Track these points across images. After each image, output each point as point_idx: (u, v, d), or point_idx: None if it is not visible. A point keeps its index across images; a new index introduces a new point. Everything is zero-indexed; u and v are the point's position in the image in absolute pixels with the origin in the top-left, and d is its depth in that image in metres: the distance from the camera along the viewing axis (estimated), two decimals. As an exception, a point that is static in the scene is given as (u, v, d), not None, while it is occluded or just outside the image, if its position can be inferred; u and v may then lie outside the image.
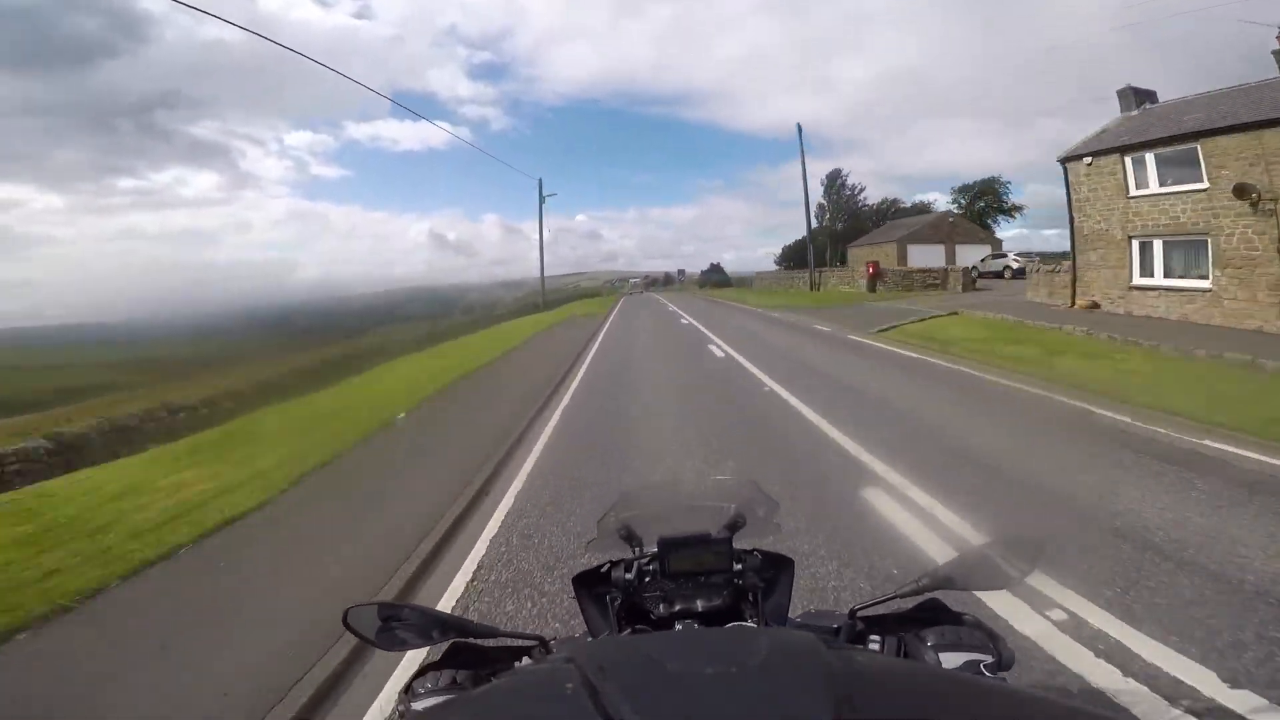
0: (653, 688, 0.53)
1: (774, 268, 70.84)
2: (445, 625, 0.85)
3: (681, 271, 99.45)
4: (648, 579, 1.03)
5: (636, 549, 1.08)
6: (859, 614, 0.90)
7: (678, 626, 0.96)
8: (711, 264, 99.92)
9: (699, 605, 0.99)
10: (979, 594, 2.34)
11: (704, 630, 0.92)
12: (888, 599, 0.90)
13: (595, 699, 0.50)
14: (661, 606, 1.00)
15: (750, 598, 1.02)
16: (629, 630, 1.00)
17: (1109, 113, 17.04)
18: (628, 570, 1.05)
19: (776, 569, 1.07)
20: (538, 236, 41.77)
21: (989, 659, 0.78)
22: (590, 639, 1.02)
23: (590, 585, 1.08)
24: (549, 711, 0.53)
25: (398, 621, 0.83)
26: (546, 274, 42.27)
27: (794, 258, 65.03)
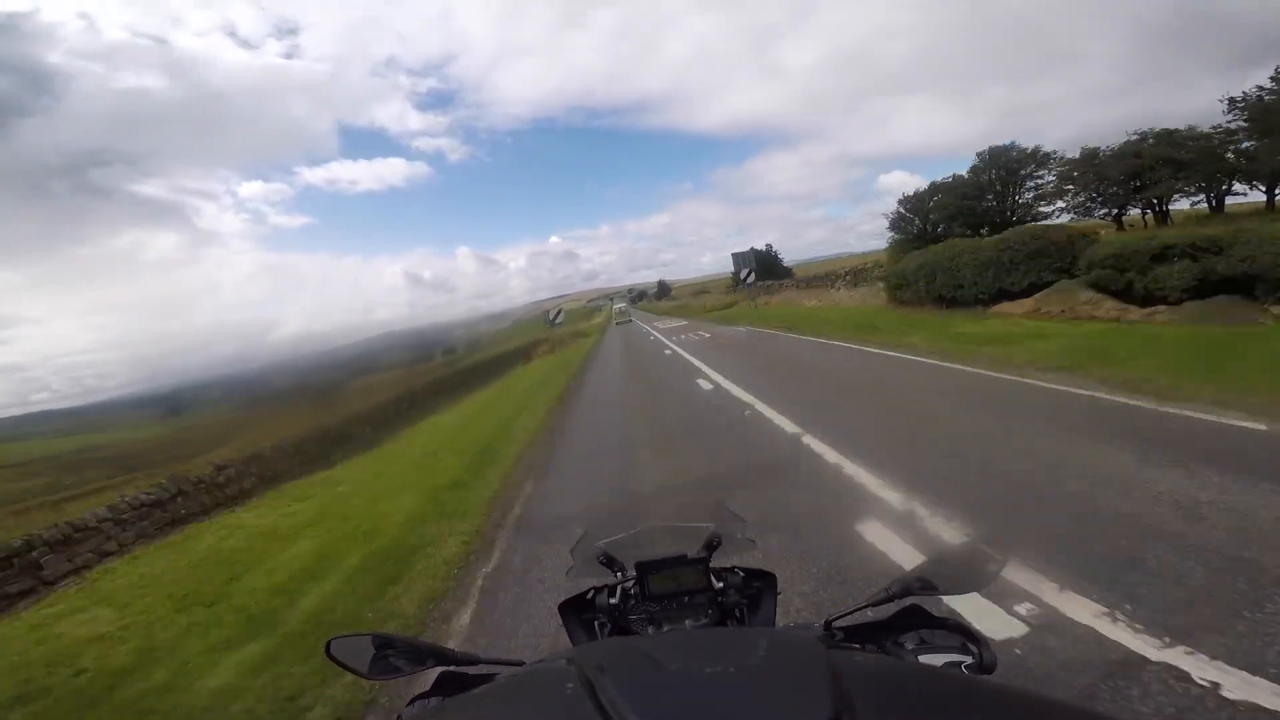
0: (653, 688, 0.52)
1: (880, 243, 34.17)
2: (427, 653, 0.84)
3: (748, 273, 37.52)
4: (632, 602, 1.04)
5: (619, 573, 1.10)
6: (835, 624, 0.86)
7: None
8: (755, 248, 49.37)
9: (687, 625, 1.00)
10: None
11: (703, 630, 0.93)
12: (861, 608, 0.87)
13: (595, 699, 0.49)
14: (649, 629, 1.01)
15: (737, 614, 1.04)
16: None
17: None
18: (611, 595, 1.07)
19: (759, 584, 1.07)
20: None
21: (969, 660, 0.77)
22: None
23: (577, 611, 1.08)
24: (549, 711, 0.53)
25: (382, 651, 0.82)
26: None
27: (961, 215, 28.22)
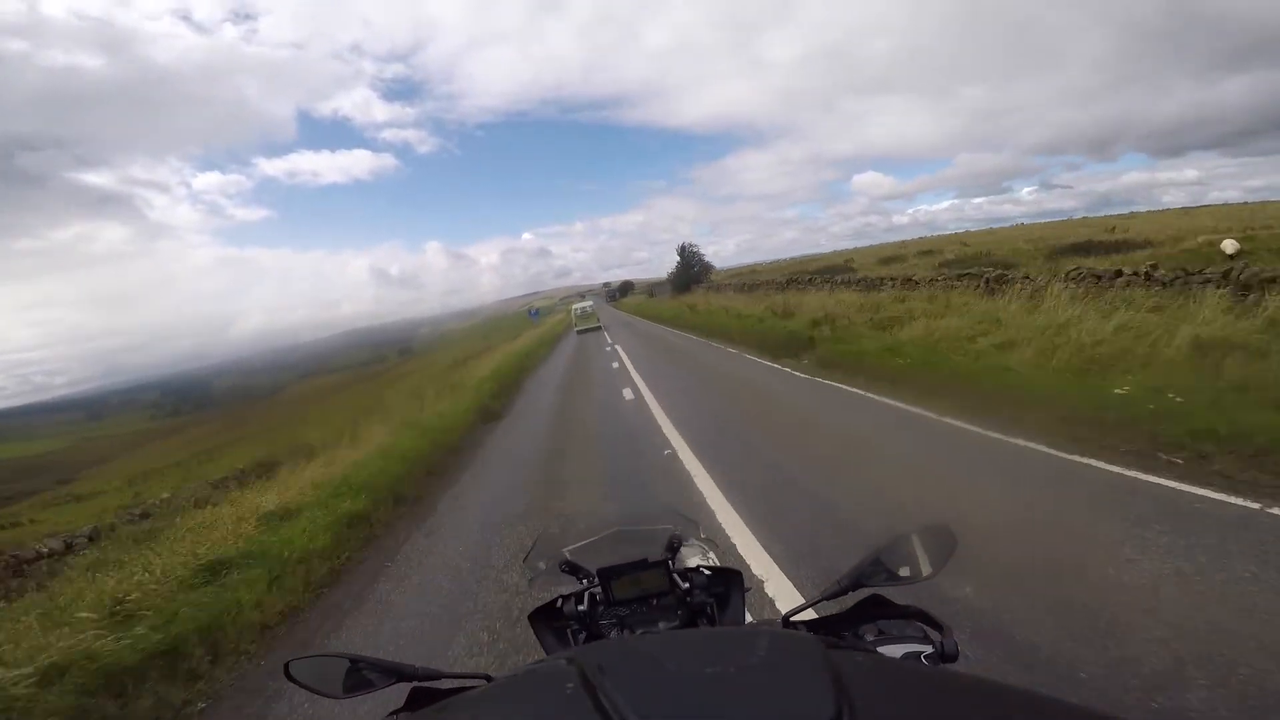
0: (653, 688, 0.53)
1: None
2: (392, 671, 0.82)
3: None
4: (600, 608, 1.04)
5: (583, 580, 1.10)
6: (792, 619, 0.87)
7: None
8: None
9: (660, 627, 1.00)
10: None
11: (704, 630, 0.94)
12: (816, 601, 0.88)
13: (595, 699, 0.49)
14: (622, 633, 1.01)
15: (707, 612, 1.04)
16: None
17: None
18: (579, 602, 1.06)
19: (725, 583, 1.08)
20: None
21: (929, 649, 0.76)
22: None
23: (547, 620, 1.08)
24: (549, 711, 0.53)
25: (354, 666, 0.81)
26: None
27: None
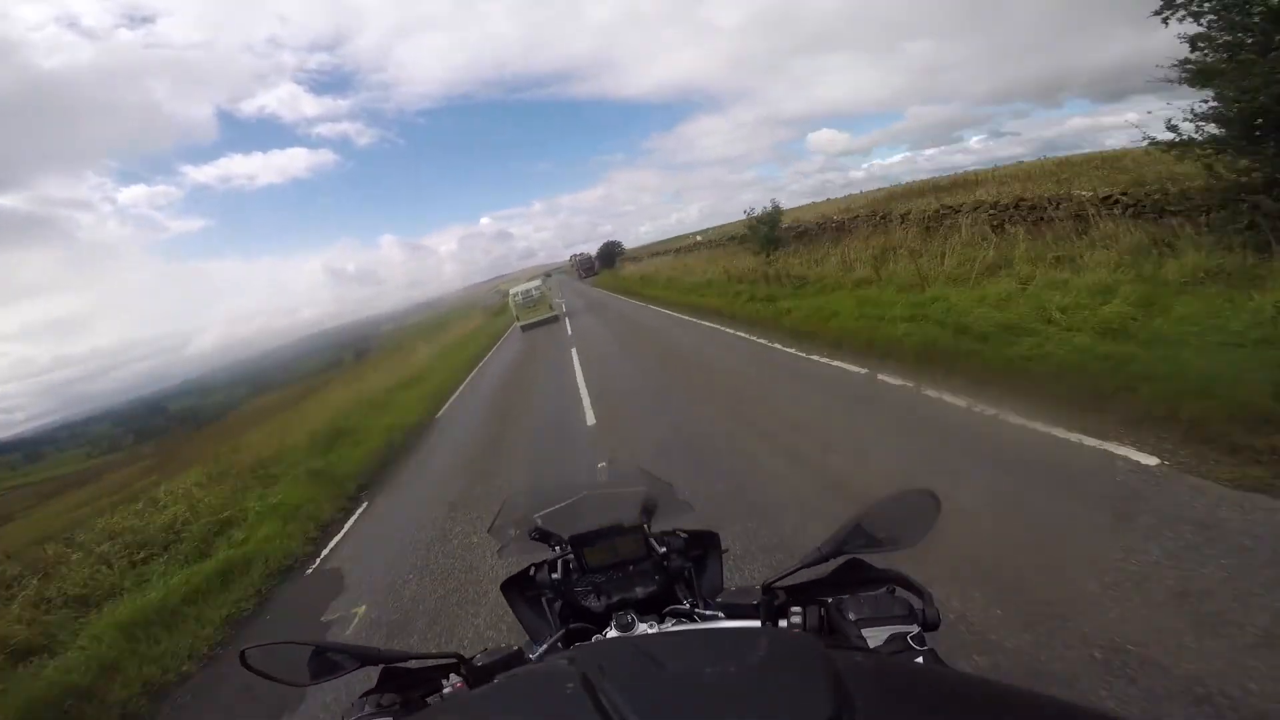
0: (653, 688, 0.53)
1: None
2: (356, 654, 0.82)
3: None
4: (575, 576, 1.02)
5: (557, 548, 1.07)
6: (775, 586, 0.88)
7: (613, 618, 0.94)
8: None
9: (637, 593, 0.99)
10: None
11: (704, 630, 0.95)
12: (797, 569, 0.88)
13: (595, 699, 0.50)
14: (600, 599, 0.99)
15: (685, 576, 1.03)
16: (567, 627, 0.98)
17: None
18: (553, 570, 1.04)
19: (703, 546, 1.07)
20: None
21: (914, 629, 0.77)
22: (529, 643, 0.99)
23: (520, 589, 1.07)
24: (549, 711, 0.53)
25: (318, 653, 0.80)
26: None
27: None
